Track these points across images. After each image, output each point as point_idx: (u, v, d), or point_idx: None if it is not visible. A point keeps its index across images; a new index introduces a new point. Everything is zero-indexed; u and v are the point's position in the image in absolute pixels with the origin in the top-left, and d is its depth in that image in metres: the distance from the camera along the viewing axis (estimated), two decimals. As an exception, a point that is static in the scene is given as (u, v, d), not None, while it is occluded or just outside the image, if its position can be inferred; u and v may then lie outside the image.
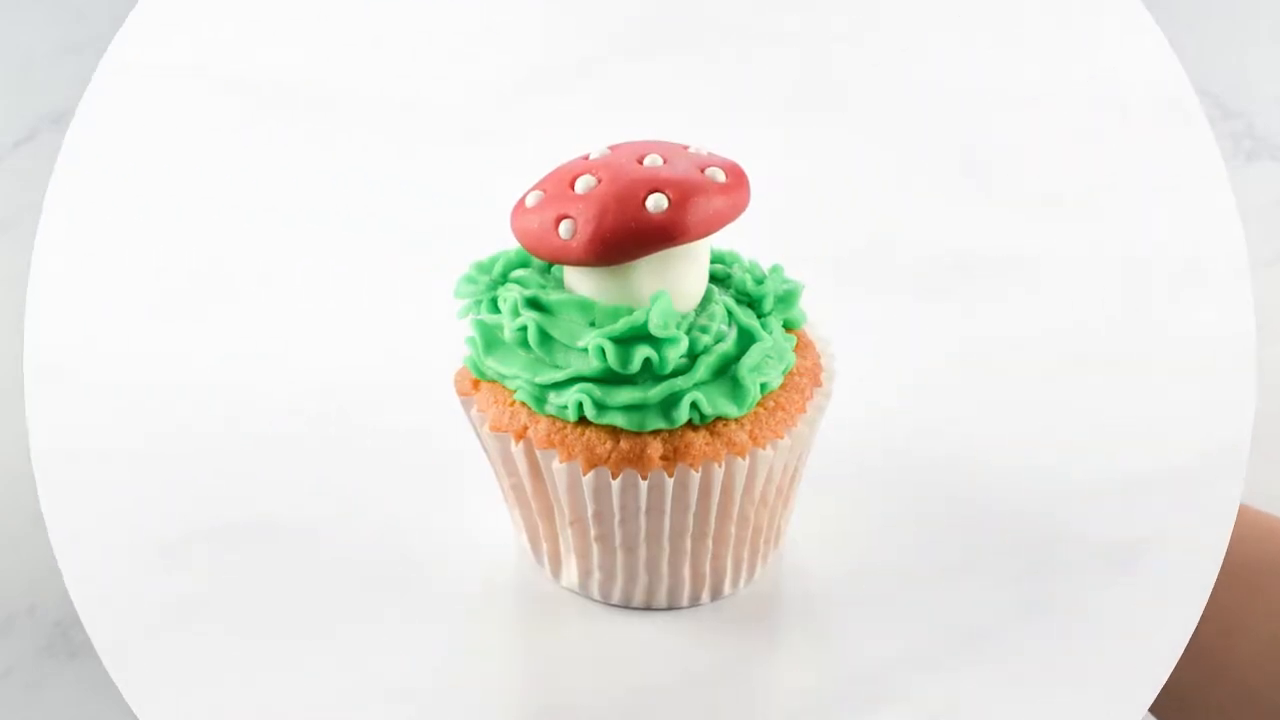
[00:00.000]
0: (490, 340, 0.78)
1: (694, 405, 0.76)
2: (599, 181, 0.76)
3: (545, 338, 0.77)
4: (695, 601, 0.81)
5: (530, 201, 0.77)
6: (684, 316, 0.77)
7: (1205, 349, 0.94)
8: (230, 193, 1.04)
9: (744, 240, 0.82)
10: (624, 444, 0.76)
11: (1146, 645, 0.79)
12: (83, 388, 0.92)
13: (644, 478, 0.76)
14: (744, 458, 0.77)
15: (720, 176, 0.76)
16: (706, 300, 0.78)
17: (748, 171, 0.77)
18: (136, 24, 1.11)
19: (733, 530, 0.79)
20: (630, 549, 0.79)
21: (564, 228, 0.75)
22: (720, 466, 0.77)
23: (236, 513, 0.85)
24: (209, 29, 1.11)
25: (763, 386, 0.78)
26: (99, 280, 0.99)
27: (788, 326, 0.80)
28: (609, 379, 0.76)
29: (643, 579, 0.80)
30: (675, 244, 0.75)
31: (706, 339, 0.77)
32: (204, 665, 0.79)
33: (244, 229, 1.02)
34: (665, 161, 0.77)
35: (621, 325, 0.76)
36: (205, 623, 0.81)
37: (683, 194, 0.75)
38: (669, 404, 0.76)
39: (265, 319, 0.97)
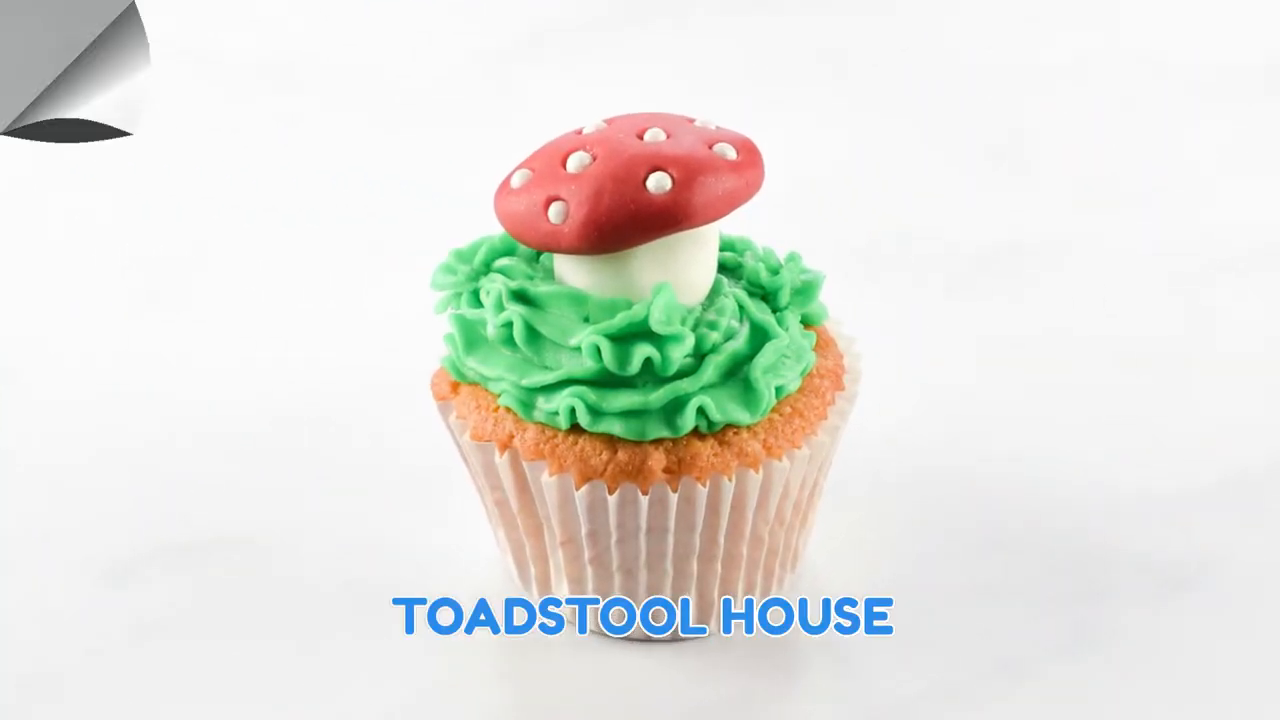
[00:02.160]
0: (471, 338, 0.76)
1: (701, 411, 0.74)
2: (594, 159, 0.74)
3: (533, 335, 0.75)
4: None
5: (516, 181, 0.75)
6: (689, 311, 0.75)
7: (1273, 347, 0.93)
8: (185, 181, 1.06)
9: (757, 225, 0.81)
10: (622, 455, 0.74)
11: (1206, 679, 0.77)
12: (35, 393, 0.92)
13: (644, 493, 0.75)
14: (757, 470, 0.75)
15: (730, 153, 0.74)
16: (715, 293, 0.76)
17: (761, 148, 0.76)
18: None
19: (744, 552, 0.77)
20: (629, 573, 0.77)
21: (554, 211, 0.74)
22: (730, 480, 0.75)
23: (196, 529, 0.84)
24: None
25: (778, 390, 0.76)
26: (56, 279, 1.00)
27: (806, 322, 0.79)
28: (605, 381, 0.74)
29: (643, 606, 0.79)
30: (680, 229, 0.73)
31: (715, 336, 0.75)
32: (165, 690, 0.78)
33: (201, 219, 1.04)
34: (668, 136, 0.75)
35: (619, 321, 0.73)
36: (167, 645, 0.79)
37: (688, 173, 0.73)
38: (672, 409, 0.74)
39: (224, 316, 0.97)
